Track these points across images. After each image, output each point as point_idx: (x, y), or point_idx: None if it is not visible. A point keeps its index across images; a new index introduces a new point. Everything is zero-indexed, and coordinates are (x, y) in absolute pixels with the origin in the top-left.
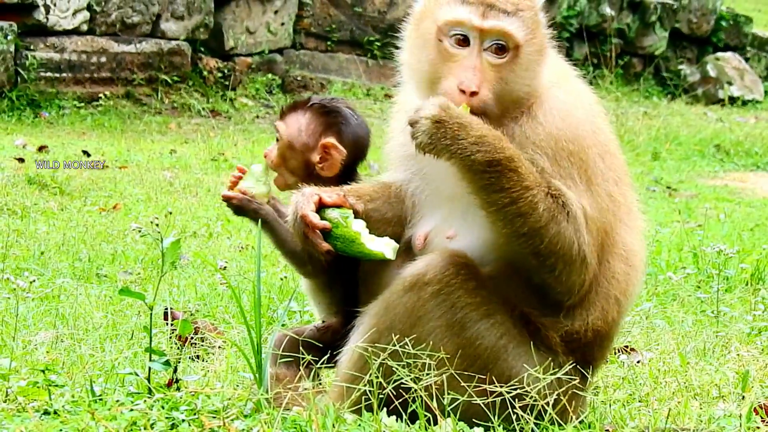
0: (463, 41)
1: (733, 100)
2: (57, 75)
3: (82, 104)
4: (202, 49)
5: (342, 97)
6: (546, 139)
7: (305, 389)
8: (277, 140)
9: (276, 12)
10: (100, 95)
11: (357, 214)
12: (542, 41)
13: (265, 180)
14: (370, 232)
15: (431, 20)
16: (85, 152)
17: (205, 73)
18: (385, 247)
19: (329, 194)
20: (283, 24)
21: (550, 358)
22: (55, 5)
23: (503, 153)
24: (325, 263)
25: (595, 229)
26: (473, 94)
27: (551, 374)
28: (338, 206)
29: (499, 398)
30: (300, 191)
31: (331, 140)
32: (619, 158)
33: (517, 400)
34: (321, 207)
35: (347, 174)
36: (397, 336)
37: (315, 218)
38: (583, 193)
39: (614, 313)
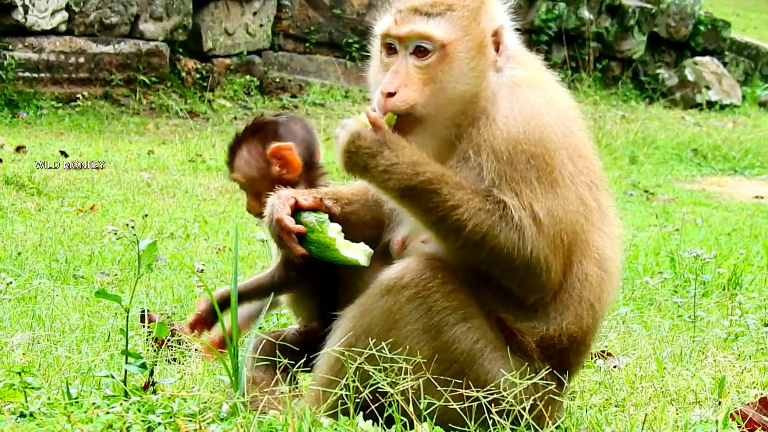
0: (393, 50)
1: (710, 104)
2: (35, 75)
3: (60, 104)
4: (181, 50)
5: (312, 98)
6: (503, 142)
7: (282, 393)
8: (242, 188)
9: (254, 13)
10: (78, 96)
11: (334, 218)
12: (480, 39)
13: None
14: (346, 236)
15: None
16: (62, 152)
17: (183, 74)
18: (359, 253)
19: (305, 197)
20: (261, 25)
21: (526, 363)
22: (33, 5)
23: (419, 178)
24: (300, 266)
25: (556, 231)
26: (390, 95)
27: (527, 379)
28: (315, 209)
29: (476, 403)
30: (277, 194)
31: (273, 145)
32: (593, 163)
33: (493, 404)
34: (297, 210)
35: (311, 168)
36: (374, 340)
37: (290, 222)
38: (542, 196)
39: (589, 319)
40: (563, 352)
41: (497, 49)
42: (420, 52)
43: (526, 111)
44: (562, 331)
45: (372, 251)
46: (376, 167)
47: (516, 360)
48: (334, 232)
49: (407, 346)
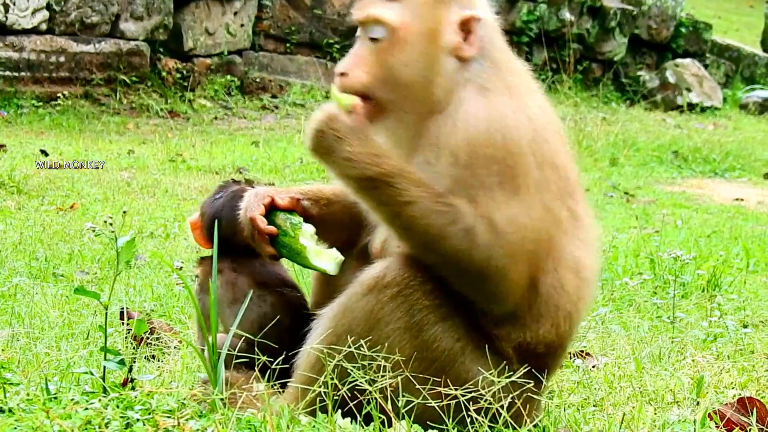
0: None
1: (691, 106)
2: (15, 74)
3: (41, 104)
4: (161, 49)
5: (293, 98)
6: (462, 143)
7: (259, 391)
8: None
9: (235, 13)
10: (59, 95)
11: (311, 219)
12: (436, 24)
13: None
14: (322, 236)
15: None
16: (43, 151)
17: (163, 73)
18: (328, 262)
19: (282, 196)
20: (242, 25)
21: (504, 362)
22: (14, 4)
23: (377, 169)
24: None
25: (517, 240)
26: (343, 74)
27: (506, 377)
28: (290, 210)
29: (454, 401)
30: (255, 190)
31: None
32: (568, 172)
33: (471, 403)
34: (273, 209)
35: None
36: (354, 338)
37: (262, 223)
38: (503, 203)
39: (566, 326)
40: (540, 356)
41: (465, 40)
42: (375, 35)
43: (491, 112)
44: (539, 340)
45: (342, 259)
46: (341, 153)
47: (495, 359)
48: (306, 236)
49: (388, 345)
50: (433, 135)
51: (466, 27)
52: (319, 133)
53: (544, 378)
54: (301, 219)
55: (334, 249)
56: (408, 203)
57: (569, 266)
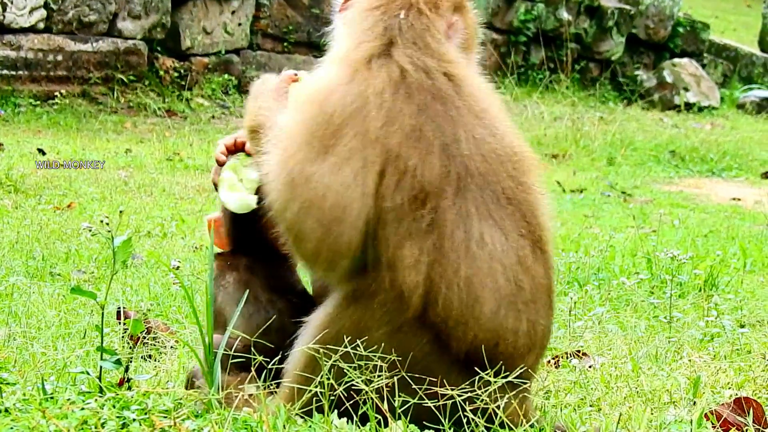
0: None
1: (689, 106)
2: (13, 73)
3: (38, 102)
4: (159, 48)
5: None
6: (295, 96)
7: (255, 391)
8: None
9: (233, 12)
10: (56, 94)
11: None
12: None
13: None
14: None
15: None
16: (40, 150)
17: (161, 72)
18: (234, 199)
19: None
20: (240, 24)
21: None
22: (11, 3)
23: (252, 121)
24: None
25: (312, 196)
26: None
27: (502, 377)
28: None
29: (450, 401)
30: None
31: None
32: (422, 173)
33: (468, 403)
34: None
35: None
36: (342, 345)
37: (218, 150)
38: (310, 159)
39: (470, 334)
40: (484, 365)
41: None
42: None
43: (327, 76)
44: (462, 348)
45: (252, 206)
46: (249, 105)
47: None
48: (239, 174)
49: (377, 350)
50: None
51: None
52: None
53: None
54: (251, 161)
55: (253, 197)
56: (261, 154)
57: (414, 268)
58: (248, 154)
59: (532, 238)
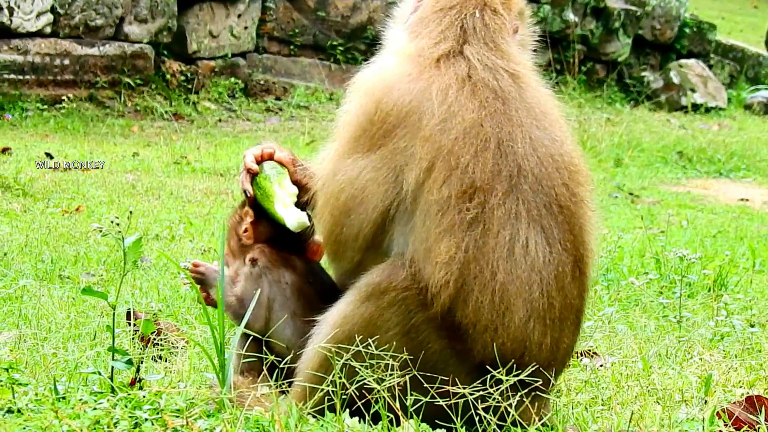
0: None
1: (696, 107)
2: (20, 77)
3: (45, 106)
4: (165, 52)
5: (297, 100)
6: (350, 89)
7: (268, 390)
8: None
9: (239, 16)
10: (63, 98)
11: (305, 188)
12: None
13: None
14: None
15: None
16: (48, 154)
17: (168, 76)
18: (291, 216)
19: (284, 153)
20: (246, 28)
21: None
22: (18, 7)
23: None
24: (248, 205)
25: (335, 190)
26: None
27: (514, 376)
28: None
29: (462, 400)
30: (265, 141)
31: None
32: (474, 173)
33: (480, 401)
34: (270, 158)
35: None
36: (354, 344)
37: (249, 160)
38: (346, 153)
39: (498, 341)
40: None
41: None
42: None
43: (387, 71)
44: (485, 353)
45: (308, 224)
46: None
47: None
48: (284, 188)
49: (389, 350)
50: None
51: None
52: None
53: (552, 376)
54: (287, 173)
55: (305, 214)
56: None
57: (448, 265)
58: (280, 164)
59: (575, 254)
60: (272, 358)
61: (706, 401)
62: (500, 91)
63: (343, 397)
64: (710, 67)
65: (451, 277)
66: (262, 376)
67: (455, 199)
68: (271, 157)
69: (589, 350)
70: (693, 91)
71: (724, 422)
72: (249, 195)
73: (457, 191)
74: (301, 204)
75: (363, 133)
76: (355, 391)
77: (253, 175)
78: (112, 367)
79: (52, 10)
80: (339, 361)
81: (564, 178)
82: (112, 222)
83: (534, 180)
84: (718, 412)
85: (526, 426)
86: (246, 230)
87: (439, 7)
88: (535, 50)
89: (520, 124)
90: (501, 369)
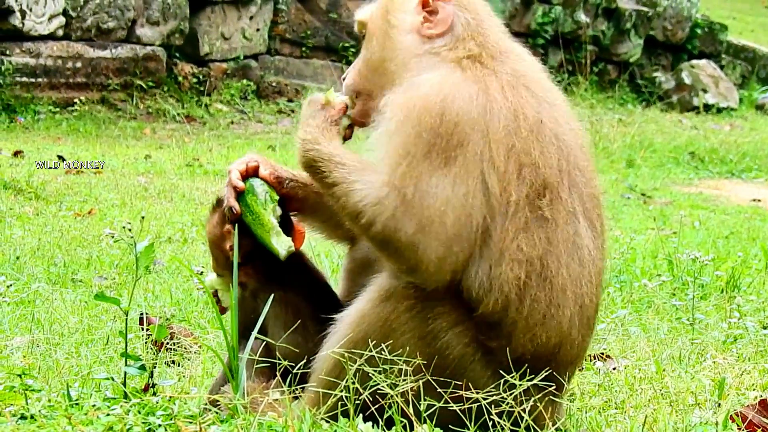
0: None
1: (707, 107)
2: (32, 80)
3: (58, 109)
4: (177, 54)
5: None
6: (400, 107)
7: (280, 396)
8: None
9: (251, 18)
10: (76, 100)
11: (295, 199)
12: (391, 11)
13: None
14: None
15: None
16: (60, 157)
17: (180, 78)
18: (283, 247)
19: (267, 169)
20: (258, 30)
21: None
22: (30, 10)
23: (309, 154)
24: (230, 221)
25: (432, 213)
26: (343, 79)
27: (527, 380)
28: (270, 185)
29: (476, 405)
30: (249, 153)
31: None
32: (541, 169)
33: (493, 406)
34: (255, 174)
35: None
36: (370, 347)
37: (235, 177)
38: (425, 173)
39: (543, 338)
40: (534, 368)
41: (429, 20)
42: (362, 35)
43: (435, 81)
44: (525, 350)
45: (294, 249)
46: (296, 138)
47: (498, 364)
48: (273, 213)
49: (403, 353)
50: (383, 105)
51: (428, 8)
52: (301, 122)
53: (565, 380)
54: (273, 191)
55: (289, 238)
56: (331, 185)
57: (519, 263)
58: (265, 180)
59: (603, 251)
60: (285, 363)
61: (719, 404)
62: (540, 86)
63: (357, 402)
64: (722, 67)
65: (521, 275)
66: (275, 381)
67: (530, 196)
68: (256, 171)
69: (602, 353)
70: (705, 91)
71: (738, 426)
72: (235, 212)
73: (531, 189)
74: (286, 215)
75: (431, 148)
76: (368, 395)
77: (239, 193)
78: (125, 373)
79: (64, 13)
80: (352, 366)
81: (593, 171)
82: (124, 227)
83: (581, 174)
84: (731, 415)
85: (540, 430)
86: (231, 247)
87: (453, 11)
88: (545, 52)
89: (562, 118)
90: (524, 368)
